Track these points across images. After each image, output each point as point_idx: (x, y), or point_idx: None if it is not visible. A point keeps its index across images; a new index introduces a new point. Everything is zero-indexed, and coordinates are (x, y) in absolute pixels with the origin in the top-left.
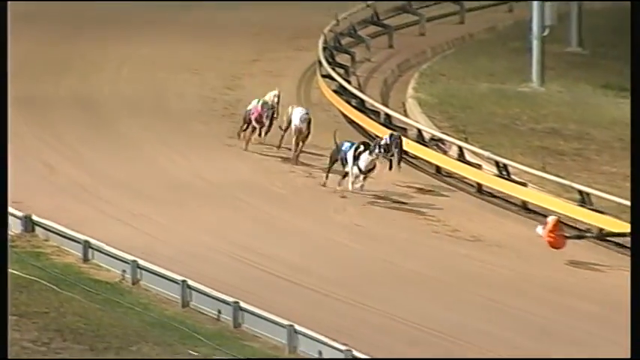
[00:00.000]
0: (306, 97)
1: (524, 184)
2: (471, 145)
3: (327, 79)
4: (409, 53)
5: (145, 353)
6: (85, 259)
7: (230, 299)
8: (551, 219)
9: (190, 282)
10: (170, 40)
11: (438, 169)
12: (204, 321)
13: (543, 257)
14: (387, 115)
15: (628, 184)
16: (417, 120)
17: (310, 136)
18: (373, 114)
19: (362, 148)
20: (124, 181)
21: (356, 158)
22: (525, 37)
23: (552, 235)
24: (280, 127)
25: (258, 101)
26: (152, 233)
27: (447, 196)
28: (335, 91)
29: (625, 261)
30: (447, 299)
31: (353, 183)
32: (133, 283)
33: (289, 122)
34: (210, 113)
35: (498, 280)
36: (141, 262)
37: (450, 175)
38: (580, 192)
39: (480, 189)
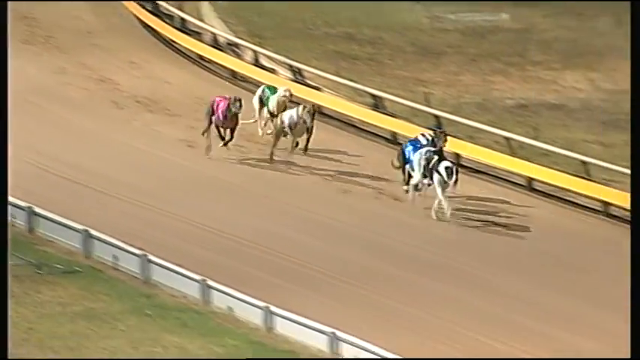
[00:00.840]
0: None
1: (318, 89)
2: (266, 49)
3: None
4: None
5: None
6: None
7: (24, 204)
8: None
9: None
10: None
11: (234, 73)
12: None
13: (357, 162)
14: (182, 20)
15: (420, 89)
16: (212, 24)
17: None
18: (168, 18)
19: (436, 157)
20: None
21: (432, 169)
22: None
23: None
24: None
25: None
26: None
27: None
28: None
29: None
30: (252, 207)
31: (415, 190)
32: None
33: (281, 124)
34: None
35: (307, 188)
36: None
37: (245, 79)
38: (373, 96)
39: None
